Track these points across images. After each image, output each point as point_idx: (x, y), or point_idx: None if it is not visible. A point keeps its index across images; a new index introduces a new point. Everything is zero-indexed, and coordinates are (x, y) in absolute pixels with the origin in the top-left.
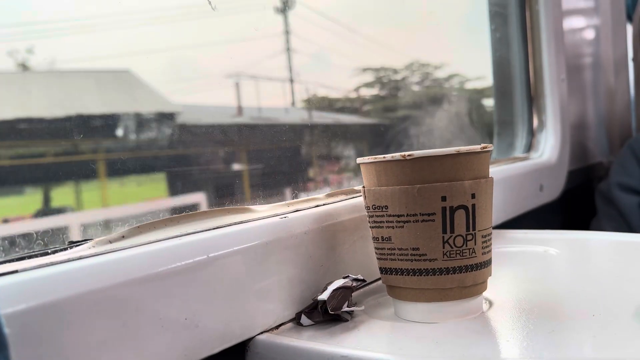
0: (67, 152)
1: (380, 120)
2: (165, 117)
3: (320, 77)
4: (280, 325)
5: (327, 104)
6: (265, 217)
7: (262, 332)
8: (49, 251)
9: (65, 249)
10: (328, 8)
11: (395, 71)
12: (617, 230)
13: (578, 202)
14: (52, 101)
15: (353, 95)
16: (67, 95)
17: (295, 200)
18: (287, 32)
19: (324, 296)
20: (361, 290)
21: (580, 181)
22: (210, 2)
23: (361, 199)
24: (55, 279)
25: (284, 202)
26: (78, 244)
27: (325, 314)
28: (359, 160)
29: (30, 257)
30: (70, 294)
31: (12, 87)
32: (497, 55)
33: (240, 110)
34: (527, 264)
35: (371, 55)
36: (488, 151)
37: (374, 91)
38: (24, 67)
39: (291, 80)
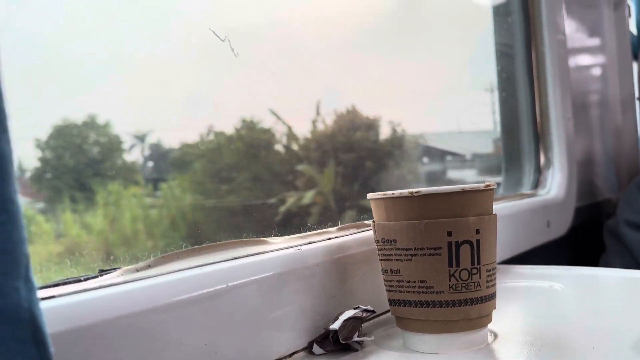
0: None
1: None
2: None
3: None
4: (293, 353)
5: None
6: (281, 248)
7: None
8: (82, 278)
9: (96, 277)
10: None
11: None
12: (625, 267)
13: (587, 239)
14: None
15: None
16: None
17: (308, 233)
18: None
19: (336, 326)
20: (371, 321)
21: (588, 217)
22: (231, 47)
23: (371, 232)
24: (88, 305)
25: (298, 235)
26: (108, 272)
27: (337, 343)
28: (369, 195)
29: (64, 283)
30: (101, 318)
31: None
32: (504, 95)
33: None
34: (532, 298)
35: None
36: (491, 189)
37: None
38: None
39: None
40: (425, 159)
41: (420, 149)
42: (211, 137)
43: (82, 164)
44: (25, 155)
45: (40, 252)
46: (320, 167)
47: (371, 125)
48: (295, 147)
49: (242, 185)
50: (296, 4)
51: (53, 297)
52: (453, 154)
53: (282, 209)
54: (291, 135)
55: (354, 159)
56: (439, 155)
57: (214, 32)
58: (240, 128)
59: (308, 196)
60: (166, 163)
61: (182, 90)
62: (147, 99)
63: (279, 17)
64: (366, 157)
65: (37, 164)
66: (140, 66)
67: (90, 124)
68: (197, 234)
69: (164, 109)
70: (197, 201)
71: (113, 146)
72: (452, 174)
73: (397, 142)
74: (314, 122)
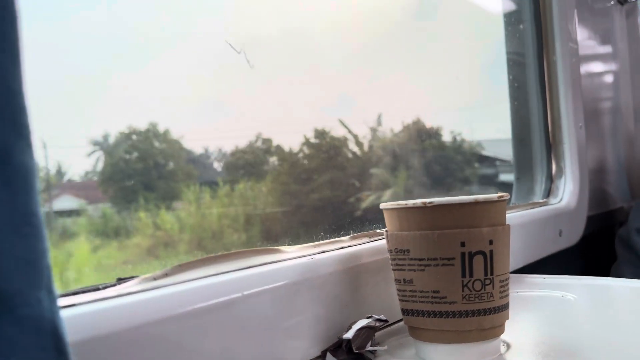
0: None
1: None
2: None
3: None
4: None
5: None
6: (294, 257)
7: None
8: (100, 287)
9: (114, 285)
10: None
11: None
12: (637, 276)
13: (599, 247)
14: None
15: None
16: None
17: (321, 242)
18: None
19: (349, 335)
20: (384, 330)
21: (601, 226)
22: (246, 59)
23: (383, 241)
24: (106, 313)
25: (311, 244)
26: (125, 280)
27: (350, 352)
28: (382, 205)
29: (83, 292)
30: (119, 327)
31: None
32: (516, 103)
33: None
34: (544, 308)
35: None
36: (504, 200)
37: None
38: None
39: None
40: (476, 164)
41: (474, 156)
42: (259, 143)
43: (148, 167)
44: (95, 160)
45: (141, 244)
46: (390, 171)
47: (434, 134)
48: (360, 153)
49: (322, 186)
50: (309, 13)
51: (73, 305)
52: (501, 160)
53: (363, 205)
54: (357, 143)
55: (422, 164)
56: (488, 160)
57: (230, 45)
58: (314, 136)
59: (386, 194)
60: (210, 165)
61: (194, 98)
62: (161, 106)
63: (292, 26)
64: (432, 162)
65: (109, 168)
66: (155, 73)
67: (152, 130)
68: (273, 229)
69: (178, 115)
70: (279, 201)
71: (175, 151)
72: (503, 177)
73: (457, 148)
74: (374, 130)
